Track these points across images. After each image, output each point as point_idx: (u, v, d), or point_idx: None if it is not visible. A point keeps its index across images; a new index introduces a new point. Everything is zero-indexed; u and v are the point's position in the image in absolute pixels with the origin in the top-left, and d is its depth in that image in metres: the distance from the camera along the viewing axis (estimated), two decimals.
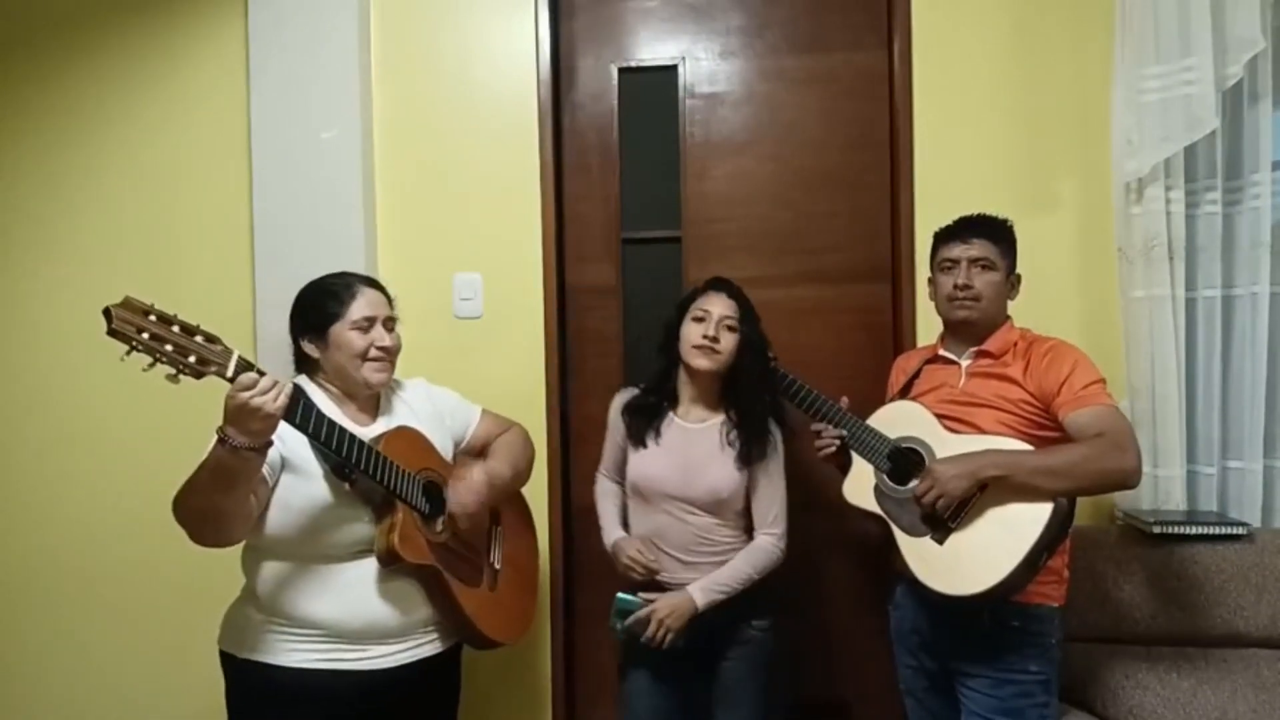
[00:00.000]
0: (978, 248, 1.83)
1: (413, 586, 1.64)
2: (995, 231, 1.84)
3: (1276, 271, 2.15)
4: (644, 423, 1.96)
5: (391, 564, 1.58)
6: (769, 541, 1.93)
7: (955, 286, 1.83)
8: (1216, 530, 2.03)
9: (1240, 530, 2.03)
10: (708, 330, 1.89)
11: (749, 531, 1.96)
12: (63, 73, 2.44)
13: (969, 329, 1.86)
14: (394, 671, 1.63)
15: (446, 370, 2.30)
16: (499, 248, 2.35)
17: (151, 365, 1.31)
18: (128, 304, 1.30)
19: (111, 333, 1.27)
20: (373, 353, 1.66)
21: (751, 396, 1.92)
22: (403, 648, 1.65)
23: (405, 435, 1.68)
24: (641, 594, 1.88)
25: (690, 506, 1.91)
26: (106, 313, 1.27)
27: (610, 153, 2.44)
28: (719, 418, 1.95)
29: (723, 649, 1.91)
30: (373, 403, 1.74)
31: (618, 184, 2.44)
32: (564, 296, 2.42)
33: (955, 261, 1.84)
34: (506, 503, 1.90)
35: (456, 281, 2.36)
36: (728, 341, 1.90)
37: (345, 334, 1.65)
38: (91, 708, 2.45)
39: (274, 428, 1.39)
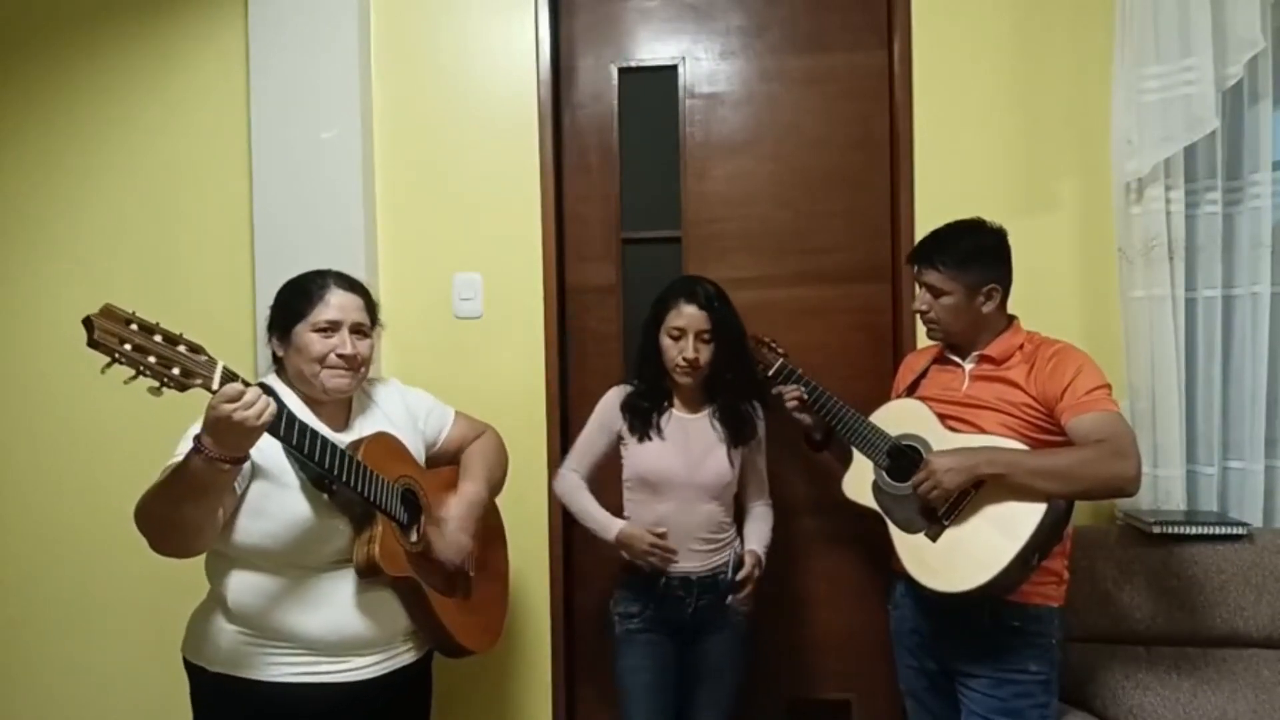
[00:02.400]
0: (925, 275, 1.82)
1: (390, 597, 1.59)
2: (942, 256, 1.79)
3: (1277, 271, 2.15)
4: (644, 418, 2.02)
5: (371, 576, 1.52)
6: (768, 508, 2.10)
7: (915, 310, 1.87)
8: (1216, 530, 2.03)
9: (1240, 530, 2.02)
10: (685, 352, 1.95)
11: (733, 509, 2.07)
12: (63, 72, 2.44)
13: (952, 346, 1.87)
14: (373, 681, 1.59)
15: (446, 370, 2.32)
16: (499, 248, 2.35)
17: (134, 378, 1.23)
18: (108, 313, 1.21)
19: (93, 344, 1.19)
20: (331, 359, 1.58)
21: (732, 393, 2.01)
22: (382, 658, 1.60)
23: (383, 442, 1.62)
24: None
25: (699, 494, 1.98)
26: (87, 323, 1.19)
27: (610, 153, 2.44)
28: (708, 409, 2.04)
29: (708, 628, 1.99)
30: (344, 406, 1.68)
31: (618, 184, 2.44)
32: (564, 296, 2.42)
33: (918, 284, 1.85)
34: None
35: (456, 281, 2.35)
36: (705, 355, 1.97)
37: (306, 336, 1.58)
38: (88, 710, 2.45)
39: (255, 442, 1.33)
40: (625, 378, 2.14)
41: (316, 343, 1.58)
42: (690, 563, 1.98)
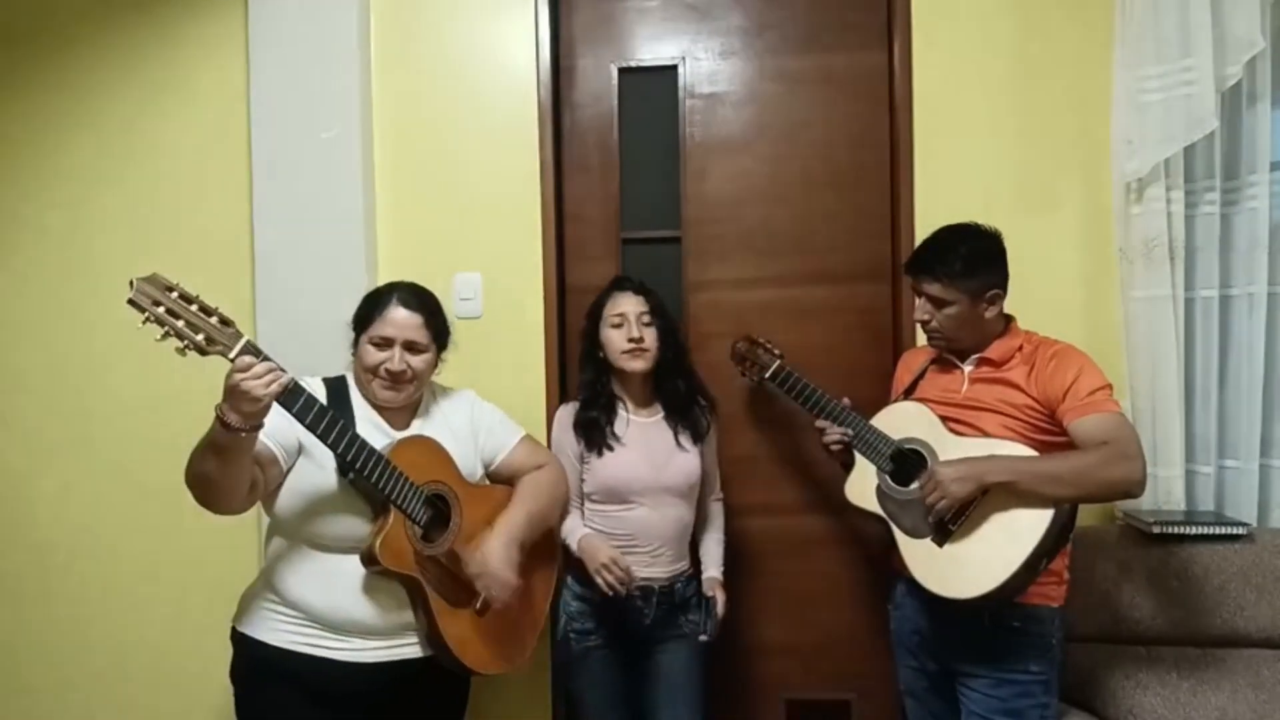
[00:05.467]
0: (925, 286, 1.80)
1: (398, 589, 1.65)
2: (943, 265, 1.76)
3: (1274, 272, 2.15)
4: (599, 429, 1.98)
5: (370, 566, 1.59)
6: (719, 505, 2.11)
7: (917, 320, 1.86)
8: (1216, 530, 2.03)
9: (1240, 530, 2.03)
10: (630, 333, 1.96)
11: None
12: (62, 73, 2.43)
13: (955, 351, 1.86)
14: (377, 667, 1.65)
15: (446, 370, 2.30)
16: (499, 248, 2.35)
17: (163, 337, 1.39)
18: (153, 279, 1.39)
19: (130, 302, 1.36)
20: (381, 371, 1.69)
21: (678, 382, 2.01)
22: (382, 645, 1.66)
23: (420, 444, 1.69)
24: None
25: (667, 496, 1.97)
26: (130, 283, 1.36)
27: (610, 153, 2.43)
28: (661, 411, 2.03)
29: (663, 638, 1.97)
30: (410, 409, 1.78)
31: (618, 184, 2.43)
32: (564, 296, 2.42)
33: (915, 293, 1.84)
34: None
35: (456, 281, 2.35)
36: (650, 337, 1.97)
37: (365, 346, 1.71)
38: (99, 698, 2.44)
39: (264, 412, 1.44)
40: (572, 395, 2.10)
41: (371, 354, 1.70)
42: (655, 570, 1.95)
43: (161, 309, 1.37)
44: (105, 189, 2.42)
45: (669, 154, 2.43)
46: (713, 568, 2.05)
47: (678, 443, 1.99)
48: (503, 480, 1.86)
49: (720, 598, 1.99)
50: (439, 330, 1.77)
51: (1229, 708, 1.92)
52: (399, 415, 1.75)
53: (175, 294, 1.40)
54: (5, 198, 2.46)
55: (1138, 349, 2.13)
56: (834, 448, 1.93)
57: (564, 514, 1.96)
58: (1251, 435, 2.16)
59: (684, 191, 2.42)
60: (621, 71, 2.44)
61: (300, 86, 2.27)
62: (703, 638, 1.94)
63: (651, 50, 2.44)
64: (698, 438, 2.01)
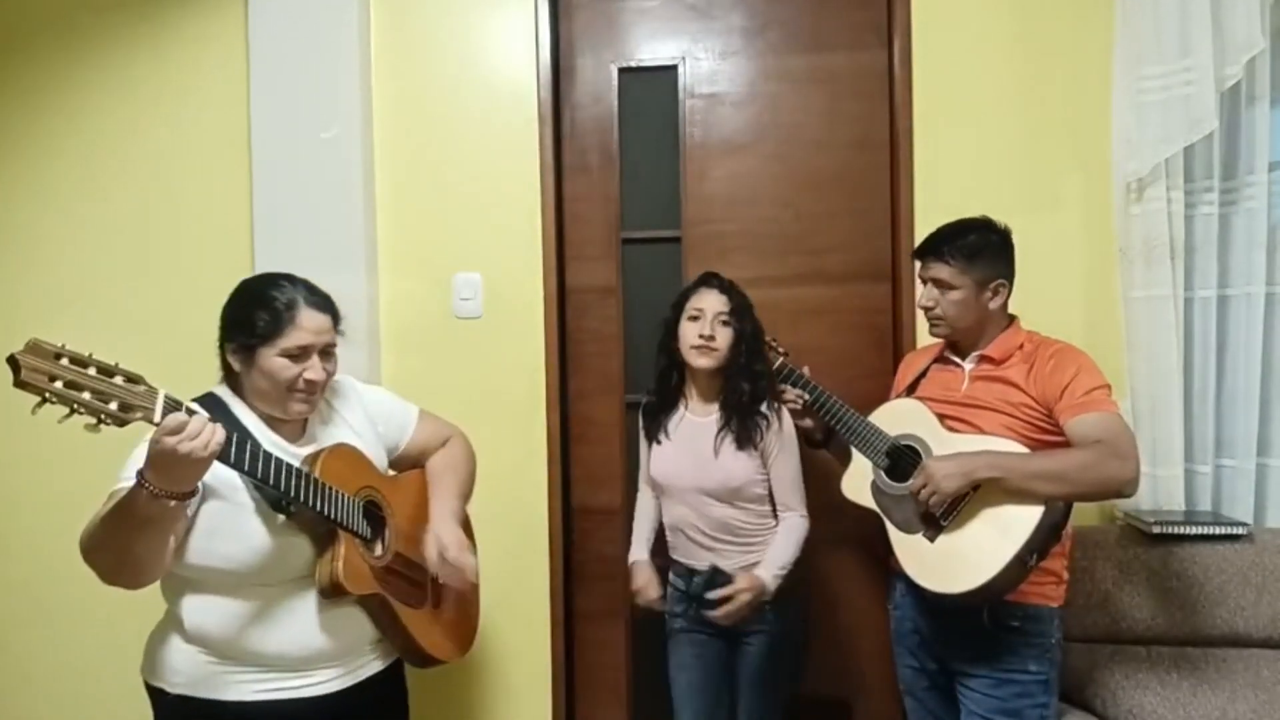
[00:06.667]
0: (932, 269, 1.81)
1: (355, 610, 1.54)
2: (951, 249, 1.77)
3: (1272, 272, 2.16)
4: (657, 420, 2.05)
5: (335, 596, 1.46)
6: (800, 520, 2.00)
7: (921, 306, 1.87)
8: (1216, 530, 2.03)
9: (1240, 530, 2.03)
10: (703, 329, 1.96)
11: (774, 514, 2.01)
12: (62, 72, 2.43)
13: (953, 343, 1.87)
14: (340, 693, 1.54)
15: (446, 370, 2.32)
16: (499, 248, 2.35)
17: (67, 416, 1.16)
18: (35, 348, 1.14)
19: (20, 385, 1.12)
20: (300, 384, 1.48)
21: (742, 386, 1.98)
22: (346, 669, 1.56)
23: (341, 455, 1.54)
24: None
25: (708, 498, 1.97)
26: (12, 362, 1.12)
27: (610, 153, 2.43)
28: (718, 411, 2.01)
29: (744, 630, 1.98)
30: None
31: (618, 184, 2.43)
32: (564, 296, 2.42)
33: (922, 280, 1.85)
34: None
35: (456, 281, 2.35)
36: (723, 338, 1.96)
37: (273, 360, 1.46)
38: None
39: (203, 474, 1.27)
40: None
41: (287, 369, 1.47)
42: (718, 561, 1.96)
43: (59, 384, 1.13)
44: (105, 189, 2.42)
45: (669, 154, 2.43)
46: (763, 564, 1.93)
47: (717, 445, 1.96)
48: (410, 460, 1.75)
49: (738, 583, 1.89)
50: (339, 321, 1.57)
51: (1229, 708, 1.92)
52: (293, 427, 1.56)
53: (65, 360, 1.15)
54: (3, 199, 2.46)
55: (1138, 348, 2.13)
56: (789, 408, 1.98)
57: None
58: (1249, 434, 2.16)
59: (684, 191, 2.42)
60: (621, 71, 2.44)
61: (300, 86, 2.27)
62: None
63: (651, 50, 2.44)
64: (745, 442, 1.95)
